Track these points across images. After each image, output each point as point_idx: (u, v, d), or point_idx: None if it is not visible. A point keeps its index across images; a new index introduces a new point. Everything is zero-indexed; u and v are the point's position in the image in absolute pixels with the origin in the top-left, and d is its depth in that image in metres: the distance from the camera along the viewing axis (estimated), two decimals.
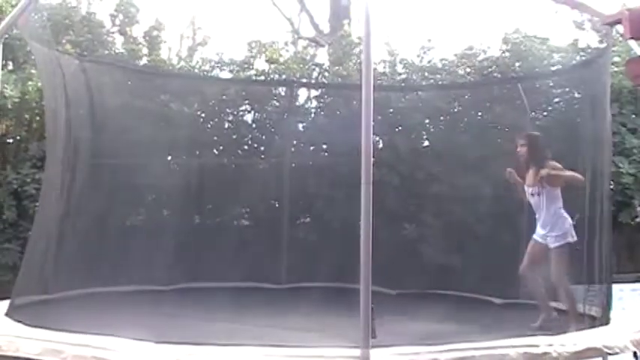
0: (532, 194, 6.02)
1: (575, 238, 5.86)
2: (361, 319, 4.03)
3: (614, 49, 7.54)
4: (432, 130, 9.09)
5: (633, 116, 8.55)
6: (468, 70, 9.40)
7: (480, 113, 8.90)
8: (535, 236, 6.03)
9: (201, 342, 4.35)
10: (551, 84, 8.77)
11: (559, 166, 5.92)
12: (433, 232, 8.17)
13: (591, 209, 6.21)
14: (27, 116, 7.80)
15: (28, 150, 7.96)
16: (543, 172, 5.85)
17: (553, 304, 6.49)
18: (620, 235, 7.12)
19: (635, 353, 5.18)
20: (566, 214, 5.91)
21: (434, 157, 8.58)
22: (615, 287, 6.01)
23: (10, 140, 8.03)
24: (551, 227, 5.89)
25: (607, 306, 5.57)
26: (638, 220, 5.90)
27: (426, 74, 9.34)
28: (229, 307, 6.21)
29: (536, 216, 6.02)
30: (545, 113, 8.72)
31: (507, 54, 9.20)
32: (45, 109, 6.69)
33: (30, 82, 7.50)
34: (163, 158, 8.43)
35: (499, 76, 9.00)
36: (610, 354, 4.82)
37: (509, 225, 7.73)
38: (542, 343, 4.49)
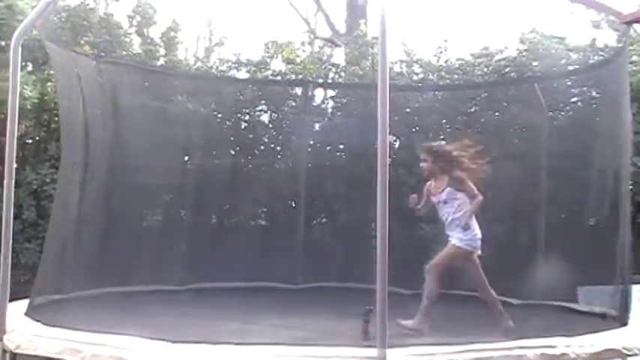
0: (438, 202, 5.99)
1: (472, 249, 5.85)
2: (378, 319, 4.02)
3: (632, 47, 7.49)
4: (448, 130, 9.06)
5: None
6: (485, 69, 9.37)
7: (497, 113, 8.86)
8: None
9: (217, 341, 4.36)
10: (569, 83, 8.71)
11: (463, 176, 5.89)
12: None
13: (610, 210, 6.18)
14: (46, 117, 7.86)
15: (47, 150, 8.02)
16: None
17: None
18: (638, 236, 7.05)
19: None
20: (470, 225, 5.86)
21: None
22: (634, 288, 5.96)
23: (30, 141, 8.09)
24: (455, 233, 5.88)
25: (626, 307, 5.53)
26: None
27: (443, 74, 9.31)
28: (245, 307, 6.23)
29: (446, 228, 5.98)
30: (562, 113, 8.66)
31: (524, 54, 9.15)
32: (60, 110, 6.73)
33: (49, 83, 7.56)
34: (180, 158, 8.47)
35: (516, 75, 8.95)
36: (629, 355, 4.78)
37: (526, 224, 7.70)
38: (560, 344, 4.46)
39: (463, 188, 5.90)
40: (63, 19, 7.41)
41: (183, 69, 9.19)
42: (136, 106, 7.68)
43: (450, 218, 5.93)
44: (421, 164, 6.12)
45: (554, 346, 4.42)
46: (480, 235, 5.92)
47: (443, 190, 5.96)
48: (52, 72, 7.45)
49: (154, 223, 8.57)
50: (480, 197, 5.89)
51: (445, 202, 5.95)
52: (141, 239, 7.44)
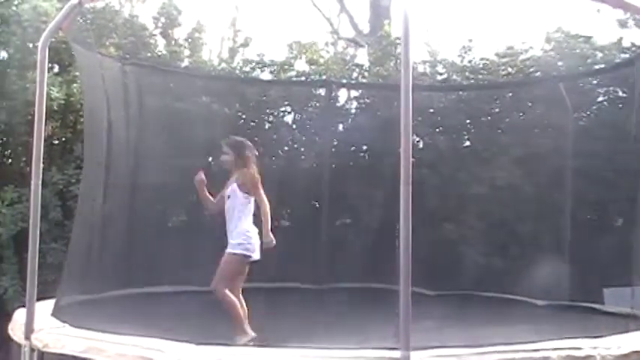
0: (228, 196, 5.77)
1: (253, 256, 5.64)
2: (401, 321, 4.01)
3: None
4: (472, 130, 9.02)
5: None
6: (510, 69, 9.31)
7: (521, 113, 8.81)
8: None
9: (242, 343, 4.38)
10: (595, 83, 8.64)
11: (258, 177, 5.72)
12: (474, 232, 8.10)
13: (637, 210, 6.12)
14: (72, 118, 7.95)
15: (73, 151, 8.11)
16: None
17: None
18: None
19: None
20: (247, 232, 5.65)
21: (475, 157, 8.52)
22: None
23: (56, 141, 8.18)
24: (231, 235, 5.66)
25: None
26: None
27: (467, 74, 9.27)
28: (268, 307, 6.25)
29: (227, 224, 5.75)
30: (588, 113, 8.59)
31: (550, 53, 9.08)
32: (85, 111, 6.80)
33: (74, 85, 7.64)
34: (204, 159, 8.50)
35: (541, 75, 8.88)
36: None
37: (551, 225, 7.65)
38: (586, 345, 4.42)
39: (253, 191, 5.69)
40: (89, 21, 7.47)
41: (207, 70, 9.23)
42: (160, 107, 7.73)
43: (238, 218, 5.68)
44: (222, 157, 5.91)
45: (579, 348, 4.38)
46: (256, 240, 5.66)
47: (231, 185, 5.76)
48: (77, 73, 7.53)
49: (179, 223, 8.62)
50: (268, 205, 5.65)
51: (228, 197, 5.75)
52: (166, 239, 7.49)
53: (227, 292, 5.52)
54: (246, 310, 5.58)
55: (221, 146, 5.94)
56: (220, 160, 5.94)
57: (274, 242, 5.62)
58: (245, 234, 5.65)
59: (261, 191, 5.70)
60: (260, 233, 5.64)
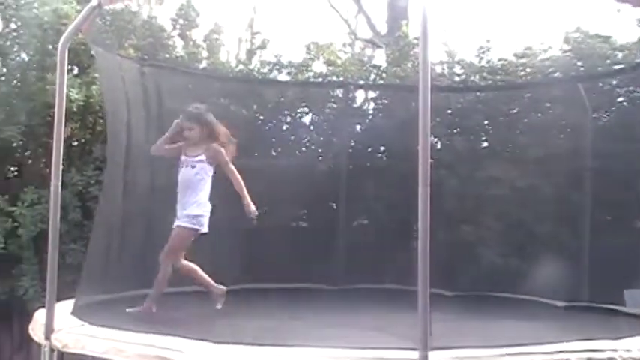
0: (186, 165, 5.73)
1: (203, 229, 5.69)
2: (419, 321, 4.01)
3: None
4: (490, 131, 8.99)
5: None
6: (528, 70, 9.26)
7: (539, 114, 8.76)
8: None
9: (261, 342, 4.39)
10: (614, 83, 8.58)
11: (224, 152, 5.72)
12: (492, 233, 8.07)
13: None
14: (91, 119, 8.01)
15: (92, 152, 8.16)
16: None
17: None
18: None
19: None
20: (206, 205, 5.69)
21: (493, 158, 8.48)
22: None
23: (75, 143, 8.23)
24: (189, 206, 5.68)
25: None
26: None
27: (485, 75, 9.23)
28: (286, 307, 6.26)
29: (179, 193, 5.75)
30: (607, 113, 8.53)
31: (569, 53, 9.03)
32: (106, 113, 6.85)
33: (94, 86, 7.69)
34: None
35: (559, 75, 8.83)
36: None
37: (571, 226, 7.61)
38: (607, 347, 4.39)
39: (224, 167, 5.72)
40: (108, 23, 7.53)
41: (225, 71, 9.26)
42: (178, 108, 7.76)
43: (197, 190, 5.69)
44: (186, 133, 5.83)
45: (600, 350, 4.35)
46: (207, 214, 5.72)
47: (197, 156, 5.73)
48: (96, 75, 7.58)
49: None
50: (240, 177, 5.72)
51: (192, 167, 5.72)
52: None
53: (167, 267, 5.65)
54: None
55: (181, 120, 5.86)
56: (185, 137, 5.84)
57: (256, 212, 5.72)
58: (205, 207, 5.71)
59: (232, 166, 5.76)
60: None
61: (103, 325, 4.93)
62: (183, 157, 5.81)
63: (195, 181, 5.74)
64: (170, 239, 5.72)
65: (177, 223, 5.72)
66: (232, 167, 5.79)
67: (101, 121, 8.02)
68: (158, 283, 5.68)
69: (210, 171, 5.79)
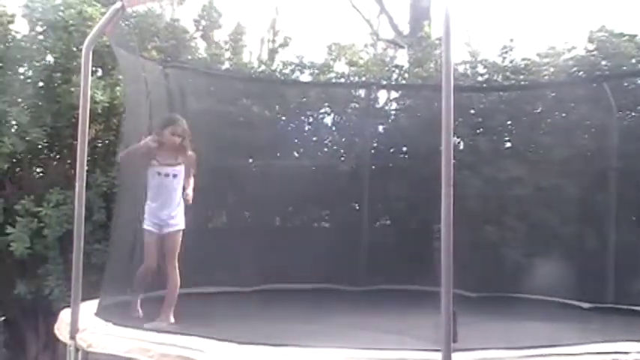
0: (166, 174, 5.76)
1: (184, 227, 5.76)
2: (443, 322, 3.99)
3: None
4: (514, 131, 8.93)
5: None
6: (552, 69, 9.19)
7: (563, 114, 8.69)
8: (149, 227, 5.76)
9: (283, 343, 4.40)
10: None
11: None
12: (515, 234, 8.02)
13: None
14: (115, 121, 8.05)
15: (116, 153, 8.21)
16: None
17: None
18: None
19: None
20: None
21: (516, 158, 8.43)
22: None
23: (100, 144, 8.29)
24: (174, 211, 5.74)
25: None
26: None
27: (508, 74, 9.18)
28: (309, 308, 6.27)
29: (154, 200, 5.77)
30: (633, 113, 8.44)
31: (594, 52, 8.95)
32: (125, 114, 6.89)
33: (117, 88, 7.74)
34: (245, 161, 8.57)
35: (584, 75, 8.75)
36: None
37: (594, 227, 7.54)
38: (633, 349, 4.35)
39: (192, 168, 5.91)
40: (131, 25, 7.54)
41: (247, 72, 9.29)
42: (201, 110, 7.80)
43: (180, 194, 5.79)
44: (174, 138, 5.81)
45: (626, 352, 4.31)
46: None
47: (178, 165, 5.81)
48: (120, 77, 7.63)
49: (219, 224, 8.68)
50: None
51: (175, 177, 5.79)
52: (206, 241, 7.55)
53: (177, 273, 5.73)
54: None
55: (171, 124, 5.86)
56: (167, 138, 5.82)
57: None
58: (183, 210, 5.85)
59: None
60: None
61: (126, 326, 4.98)
62: (159, 166, 5.82)
63: (174, 190, 5.83)
64: (171, 246, 5.77)
65: (171, 230, 5.77)
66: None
67: (124, 122, 8.07)
68: (171, 292, 5.73)
69: (184, 173, 5.91)
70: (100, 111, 7.57)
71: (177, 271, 5.74)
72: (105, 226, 7.77)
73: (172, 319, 5.58)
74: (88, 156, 5.28)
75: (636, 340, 4.49)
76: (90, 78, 5.39)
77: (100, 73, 8.04)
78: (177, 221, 5.79)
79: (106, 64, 7.88)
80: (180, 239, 5.80)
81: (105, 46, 6.85)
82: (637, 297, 6.65)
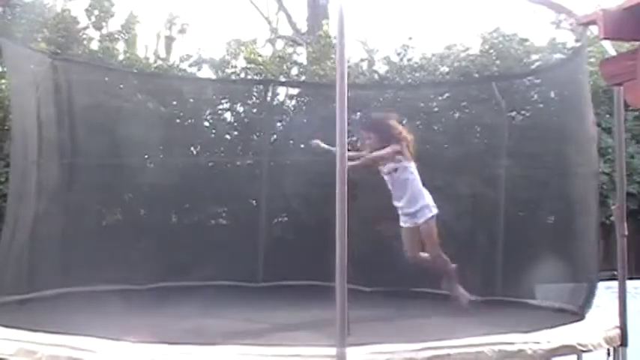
0: (388, 172, 6.08)
1: (437, 210, 6.06)
2: (337, 318, 4.03)
3: (589, 49, 7.60)
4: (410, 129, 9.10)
5: (607, 116, 8.64)
6: (447, 69, 9.44)
7: (457, 114, 8.94)
8: (402, 223, 6.15)
9: (178, 341, 4.33)
10: (529, 83, 8.83)
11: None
12: None
13: (571, 210, 6.28)
14: (0, 115, 7.74)
15: (2, 149, 7.90)
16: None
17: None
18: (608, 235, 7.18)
19: (608, 351, 5.23)
20: (423, 188, 6.07)
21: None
22: (608, 284, 6.06)
23: None
24: (414, 203, 6.02)
25: (586, 304, 5.61)
26: (612, 219, 5.96)
27: (404, 73, 9.36)
28: (206, 305, 6.18)
29: (395, 195, 6.13)
30: (522, 113, 8.77)
31: (487, 54, 9.25)
32: (12, 109, 6.62)
33: (3, 81, 7.44)
34: (140, 158, 8.39)
35: (477, 75, 9.03)
36: (584, 351, 4.87)
37: (485, 223, 7.78)
38: (518, 340, 4.52)
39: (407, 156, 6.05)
40: (16, 15, 7.27)
41: (142, 67, 9.10)
42: (92, 104, 7.59)
43: (414, 184, 6.03)
44: (367, 141, 6.18)
45: (511, 343, 4.47)
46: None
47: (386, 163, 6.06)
48: (5, 69, 7.34)
49: (113, 222, 8.49)
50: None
51: (395, 171, 6.06)
52: (100, 239, 7.38)
53: (444, 257, 6.16)
54: None
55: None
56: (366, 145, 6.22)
57: None
58: (424, 197, 6.15)
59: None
60: None
61: (12, 327, 4.76)
62: (380, 167, 6.16)
63: (401, 182, 6.14)
64: (427, 239, 6.06)
65: (420, 221, 6.04)
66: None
67: (11, 116, 7.77)
68: (448, 269, 6.04)
69: (406, 165, 6.12)
70: None
71: (441, 255, 6.05)
72: None
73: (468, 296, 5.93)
74: None
75: (520, 332, 4.67)
76: None
77: None
78: (422, 212, 6.05)
79: None
80: (433, 225, 6.06)
81: None
82: (523, 290, 6.91)
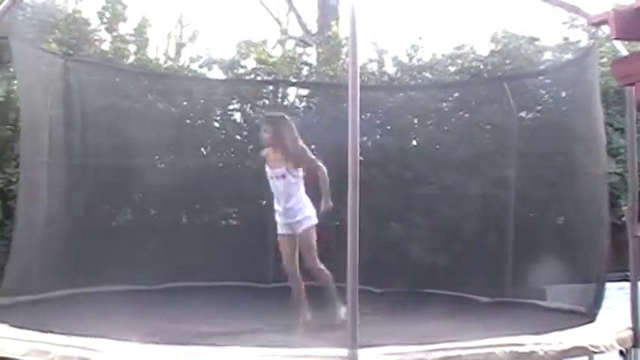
0: (277, 177, 5.94)
1: (317, 220, 5.93)
2: (349, 319, 4.02)
3: (600, 49, 7.58)
4: (420, 130, 9.10)
5: (619, 116, 8.59)
6: (457, 69, 9.42)
7: (467, 114, 8.92)
8: (280, 230, 6.03)
9: (187, 342, 4.34)
10: (539, 83, 8.80)
11: (304, 146, 5.94)
12: (420, 231, 8.17)
13: (580, 210, 6.25)
14: (12, 116, 7.75)
15: (14, 149, 7.91)
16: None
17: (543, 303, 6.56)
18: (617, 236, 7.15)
19: (621, 352, 5.21)
20: (308, 198, 5.93)
21: (422, 156, 8.59)
22: (618, 285, 6.04)
23: None
24: (297, 212, 5.88)
25: (595, 305, 5.58)
26: (624, 219, 5.93)
27: (415, 73, 9.34)
28: (215, 306, 6.19)
29: (278, 201, 5.99)
30: (532, 113, 8.74)
31: (497, 54, 9.21)
32: (21, 109, 6.63)
33: (15, 81, 7.45)
34: (151, 158, 8.41)
35: (487, 75, 9.01)
36: (596, 352, 4.85)
37: (495, 224, 7.76)
38: (529, 342, 4.50)
39: (305, 161, 5.90)
40: (28, 16, 7.29)
41: (153, 68, 9.11)
42: (104, 105, 7.61)
43: (298, 193, 5.90)
44: (264, 137, 6.08)
45: (522, 344, 4.46)
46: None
47: (278, 166, 5.93)
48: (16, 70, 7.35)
49: (123, 222, 8.50)
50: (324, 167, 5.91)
51: (284, 177, 5.91)
52: (110, 239, 7.40)
53: (321, 269, 5.90)
54: None
55: None
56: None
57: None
58: (307, 207, 6.03)
59: (309, 156, 6.09)
60: None
61: (24, 327, 4.78)
62: (269, 170, 6.05)
63: (287, 189, 5.98)
64: (305, 248, 5.89)
65: (300, 230, 5.91)
66: (319, 164, 6.00)
67: (21, 117, 7.80)
68: (324, 281, 5.82)
69: (295, 172, 5.97)
70: None
71: (320, 266, 5.89)
72: (2, 225, 7.50)
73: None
74: None
75: (532, 333, 4.65)
76: None
77: None
78: (304, 221, 5.93)
79: (2, 56, 7.58)
80: (313, 236, 5.92)
81: (1, 37, 6.59)
82: (533, 292, 6.89)
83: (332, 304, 5.76)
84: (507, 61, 9.09)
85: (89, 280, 6.88)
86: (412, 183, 8.29)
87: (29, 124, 6.33)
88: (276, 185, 5.97)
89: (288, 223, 5.95)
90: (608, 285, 5.77)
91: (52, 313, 5.48)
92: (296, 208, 5.91)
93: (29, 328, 4.75)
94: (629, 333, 5.22)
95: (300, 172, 5.92)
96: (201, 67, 9.44)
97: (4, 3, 5.13)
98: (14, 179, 7.63)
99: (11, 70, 7.59)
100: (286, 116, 6.23)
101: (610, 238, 5.75)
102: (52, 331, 4.64)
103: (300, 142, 5.91)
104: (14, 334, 4.71)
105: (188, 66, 9.46)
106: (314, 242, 5.89)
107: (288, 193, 5.91)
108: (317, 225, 5.97)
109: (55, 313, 5.44)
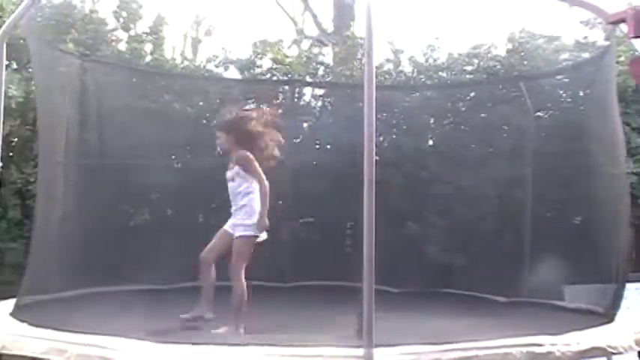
0: (227, 179, 5.92)
1: (262, 236, 5.85)
2: (364, 319, 4.02)
3: (618, 48, 7.53)
4: (436, 130, 9.08)
5: (637, 116, 8.53)
6: (474, 69, 9.39)
7: (483, 113, 8.89)
8: (226, 226, 5.95)
9: (202, 342, 4.35)
10: (556, 83, 8.75)
11: (251, 158, 5.84)
12: (436, 230, 8.16)
13: (600, 209, 6.21)
14: (31, 116, 7.82)
15: (32, 149, 7.98)
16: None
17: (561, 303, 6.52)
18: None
19: (639, 353, 5.16)
20: (256, 211, 5.81)
21: (438, 156, 8.57)
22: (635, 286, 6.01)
23: (14, 140, 8.03)
24: (241, 216, 5.82)
25: (613, 305, 5.55)
26: None
27: (431, 73, 9.32)
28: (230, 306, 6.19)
29: (231, 201, 5.93)
30: (549, 113, 8.70)
31: (514, 53, 9.18)
32: (40, 109, 6.68)
33: (33, 82, 7.52)
34: (166, 158, 8.44)
35: (503, 75, 8.97)
36: (614, 353, 4.81)
37: (512, 224, 7.73)
38: (546, 342, 4.48)
39: (251, 171, 5.82)
40: (46, 17, 7.34)
41: (169, 68, 9.15)
42: (120, 106, 7.65)
43: (245, 198, 5.84)
44: (217, 142, 6.02)
45: (540, 344, 4.43)
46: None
47: (232, 168, 5.89)
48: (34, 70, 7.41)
49: (141, 222, 8.54)
50: (267, 185, 5.82)
51: (232, 180, 5.88)
52: (128, 238, 7.43)
53: (241, 277, 5.82)
54: None
55: None
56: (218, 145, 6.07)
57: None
58: (252, 215, 5.89)
59: (258, 170, 5.95)
60: None
61: (43, 326, 4.82)
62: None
63: (235, 192, 5.91)
64: (235, 253, 5.81)
65: (237, 234, 5.84)
66: (262, 179, 5.88)
67: (39, 117, 7.86)
68: (239, 298, 5.78)
69: (244, 176, 5.89)
70: (14, 106, 7.33)
71: (239, 279, 5.80)
72: (20, 224, 7.56)
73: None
74: (2, 152, 5.10)
75: (549, 334, 4.62)
76: (4, 72, 5.22)
77: (14, 66, 7.79)
78: (244, 227, 5.83)
79: (20, 57, 7.65)
80: (248, 246, 5.82)
81: (20, 39, 6.64)
82: (551, 292, 6.85)
83: (205, 308, 5.82)
84: (524, 61, 9.04)
85: (106, 280, 6.92)
86: (428, 183, 8.27)
87: (47, 124, 6.37)
88: (228, 186, 5.97)
89: (231, 223, 5.93)
90: (627, 285, 5.73)
91: (69, 312, 5.51)
92: (239, 213, 5.86)
93: (47, 327, 4.78)
94: None
95: (253, 183, 5.85)
96: (217, 66, 9.47)
97: (22, 5, 5.17)
98: (32, 179, 7.69)
99: (30, 70, 7.65)
100: (239, 123, 6.04)
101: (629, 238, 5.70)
102: (69, 330, 4.68)
103: (248, 154, 5.85)
104: (33, 332, 4.75)
105: (204, 66, 9.48)
106: (246, 253, 5.81)
107: (234, 196, 5.90)
108: (259, 240, 5.90)
109: (73, 312, 5.46)
